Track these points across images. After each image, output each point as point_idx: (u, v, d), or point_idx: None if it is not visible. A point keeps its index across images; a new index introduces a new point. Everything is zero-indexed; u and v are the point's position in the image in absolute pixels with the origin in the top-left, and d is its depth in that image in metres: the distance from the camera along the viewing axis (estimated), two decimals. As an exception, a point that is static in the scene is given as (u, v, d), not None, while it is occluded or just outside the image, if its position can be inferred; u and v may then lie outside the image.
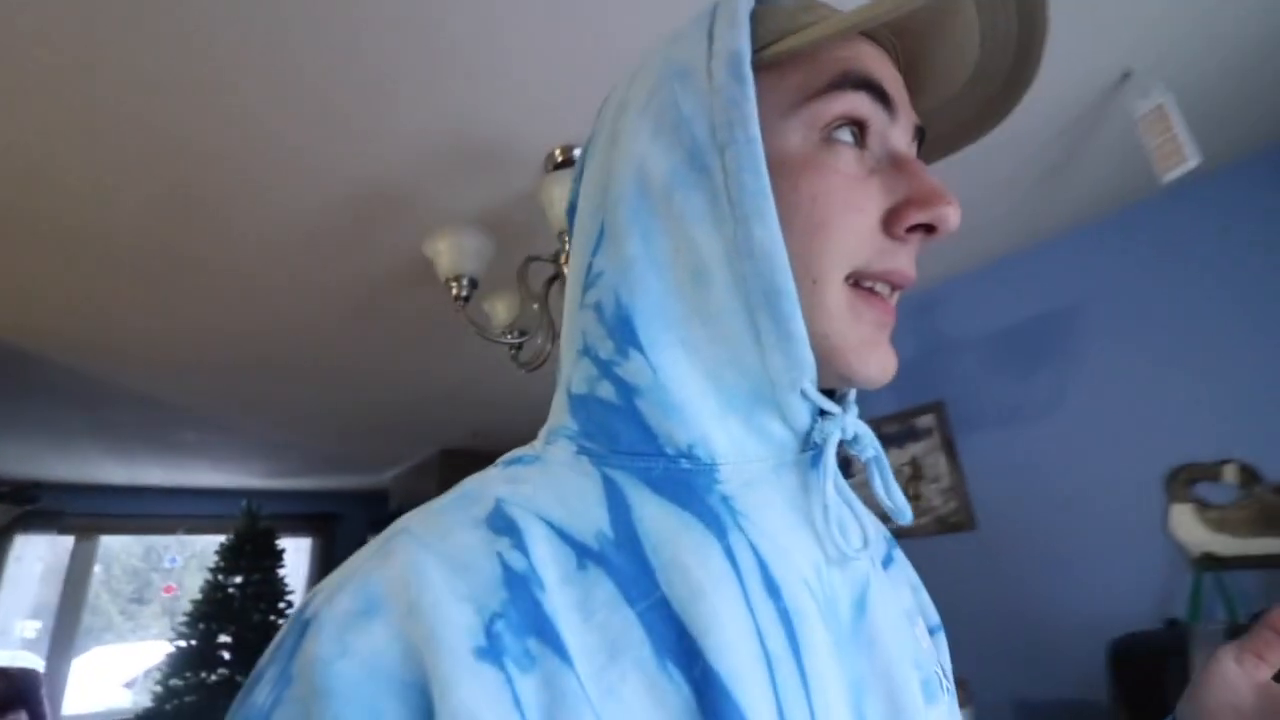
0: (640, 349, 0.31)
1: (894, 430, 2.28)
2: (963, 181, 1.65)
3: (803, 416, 0.32)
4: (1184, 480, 1.63)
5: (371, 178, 1.55)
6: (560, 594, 0.27)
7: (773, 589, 0.29)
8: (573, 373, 0.35)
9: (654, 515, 0.30)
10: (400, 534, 0.28)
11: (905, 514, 0.34)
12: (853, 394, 0.36)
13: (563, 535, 0.29)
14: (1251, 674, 0.36)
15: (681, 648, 0.26)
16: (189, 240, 1.76)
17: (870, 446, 0.34)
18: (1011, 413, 2.01)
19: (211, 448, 4.13)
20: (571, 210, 0.39)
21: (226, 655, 4.03)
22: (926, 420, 2.23)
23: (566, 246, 1.36)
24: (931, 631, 0.43)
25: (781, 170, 0.31)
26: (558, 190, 1.29)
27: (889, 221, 0.32)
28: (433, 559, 0.26)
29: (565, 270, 1.34)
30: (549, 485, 0.31)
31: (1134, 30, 1.27)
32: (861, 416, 0.35)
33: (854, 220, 0.32)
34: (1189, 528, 1.60)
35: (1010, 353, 2.06)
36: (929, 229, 0.32)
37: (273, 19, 1.12)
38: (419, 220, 1.71)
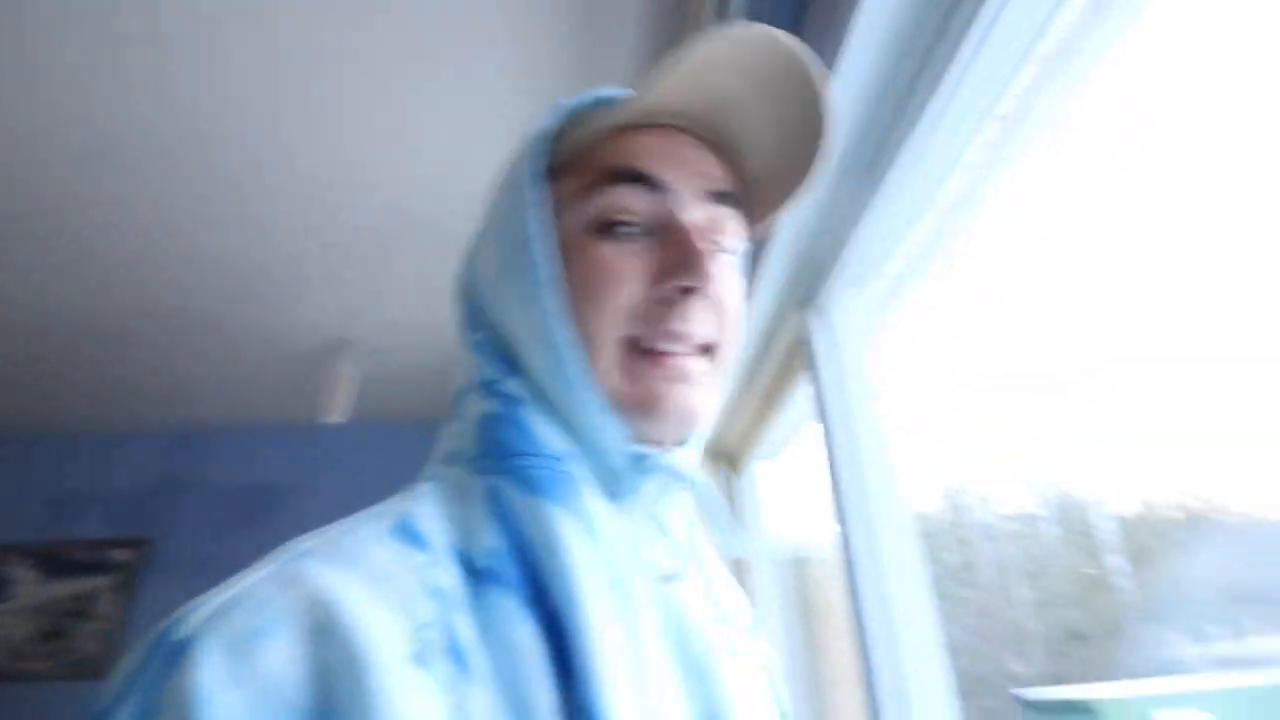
0: (517, 376, 0.38)
1: (82, 557, 2.14)
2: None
3: (629, 460, 0.36)
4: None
5: None
6: (468, 617, 0.28)
7: (628, 583, 0.33)
8: (468, 406, 0.39)
9: (534, 516, 0.32)
10: (301, 557, 0.27)
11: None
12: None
13: (460, 557, 0.31)
14: None
15: (554, 647, 0.29)
16: None
17: (694, 480, 0.37)
18: (210, 565, 2.21)
19: None
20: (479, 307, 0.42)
21: None
22: (123, 554, 2.19)
23: None
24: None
25: (565, 253, 0.37)
26: None
27: (654, 287, 0.37)
28: (348, 575, 0.26)
29: None
30: (444, 504, 0.34)
31: (354, 310, 1.83)
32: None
33: (618, 291, 0.36)
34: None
35: (229, 510, 2.33)
36: (689, 289, 0.37)
37: None
38: None
